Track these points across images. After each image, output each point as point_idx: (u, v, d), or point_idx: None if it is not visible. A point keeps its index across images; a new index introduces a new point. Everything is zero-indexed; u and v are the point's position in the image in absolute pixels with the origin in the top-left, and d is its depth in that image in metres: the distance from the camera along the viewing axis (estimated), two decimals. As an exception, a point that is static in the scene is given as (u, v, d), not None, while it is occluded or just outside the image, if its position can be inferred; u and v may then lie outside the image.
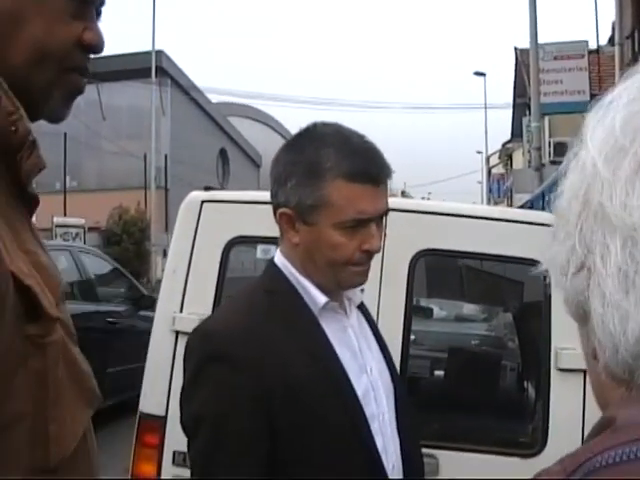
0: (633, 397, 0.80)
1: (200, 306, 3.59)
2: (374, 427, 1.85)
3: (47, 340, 1.12)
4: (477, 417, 3.88)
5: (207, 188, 3.84)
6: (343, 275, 1.87)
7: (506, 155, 43.27)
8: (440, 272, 4.62)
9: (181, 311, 3.60)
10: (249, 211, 3.68)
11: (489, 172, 51.10)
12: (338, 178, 1.81)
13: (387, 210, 1.90)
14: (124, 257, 26.57)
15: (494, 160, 48.96)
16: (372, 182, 1.83)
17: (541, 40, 17.12)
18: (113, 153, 35.86)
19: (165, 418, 3.53)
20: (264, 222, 3.70)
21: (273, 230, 3.67)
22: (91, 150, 36.42)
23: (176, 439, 3.52)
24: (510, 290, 4.80)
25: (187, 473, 3.51)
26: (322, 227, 1.83)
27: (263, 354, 1.76)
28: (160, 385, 3.56)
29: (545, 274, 0.89)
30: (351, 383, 1.83)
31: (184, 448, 3.50)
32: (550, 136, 21.08)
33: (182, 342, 3.56)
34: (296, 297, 1.88)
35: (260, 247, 3.76)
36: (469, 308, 8.92)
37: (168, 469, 3.51)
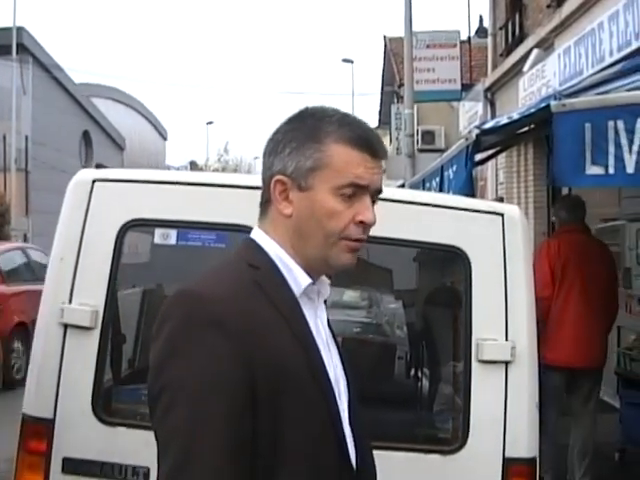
0: None
1: (92, 296, 3.27)
2: None
3: None
4: (387, 411, 3.69)
5: (99, 166, 3.47)
6: (334, 250, 1.80)
7: (373, 143, 43.72)
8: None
9: (70, 302, 3.26)
10: (147, 191, 3.37)
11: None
12: (339, 142, 1.80)
13: (380, 192, 1.86)
14: (-18, 242, 25.30)
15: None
16: (371, 152, 1.82)
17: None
18: (-30, 133, 34.16)
19: (53, 421, 3.19)
20: (164, 203, 3.46)
21: (173, 212, 3.42)
22: (-55, 130, 34.61)
23: (67, 444, 3.20)
24: (380, 276, 4.66)
25: (80, 482, 3.22)
26: (318, 191, 1.79)
27: (252, 326, 1.69)
28: (47, 384, 3.22)
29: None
30: (327, 372, 1.79)
31: (76, 454, 3.24)
32: (418, 124, 21.28)
33: (72, 336, 3.24)
34: (279, 276, 1.81)
35: (158, 231, 3.45)
36: (350, 295, 8.79)
37: (57, 478, 3.17)
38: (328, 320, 1.94)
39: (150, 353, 1.74)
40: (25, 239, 34.35)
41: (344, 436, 1.79)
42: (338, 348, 1.92)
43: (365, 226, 1.81)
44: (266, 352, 1.67)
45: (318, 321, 1.86)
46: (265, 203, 1.87)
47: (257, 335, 1.68)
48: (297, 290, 1.80)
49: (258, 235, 1.86)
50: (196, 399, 1.61)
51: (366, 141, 1.81)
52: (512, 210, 3.40)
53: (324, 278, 1.90)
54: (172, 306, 1.74)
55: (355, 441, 1.83)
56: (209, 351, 1.64)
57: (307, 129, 1.82)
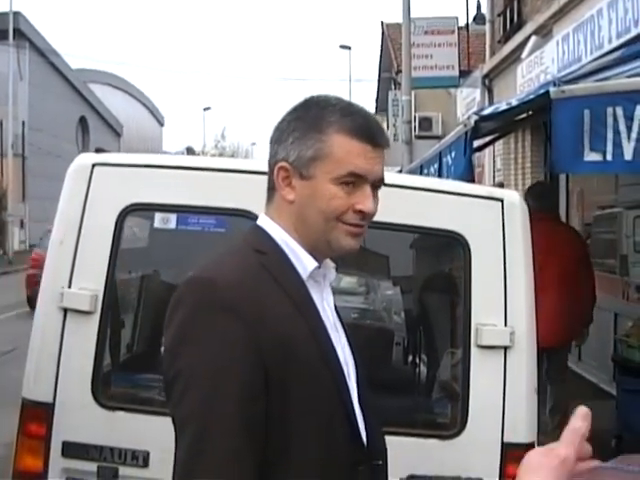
0: None
1: (91, 280, 3.27)
2: None
3: None
4: (385, 397, 3.69)
5: (98, 150, 3.47)
6: (335, 233, 1.84)
7: (370, 129, 43.52)
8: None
9: (70, 286, 3.26)
10: (147, 176, 3.37)
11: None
12: (340, 133, 1.83)
13: (382, 180, 1.88)
14: (-22, 228, 25.29)
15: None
16: (372, 143, 1.84)
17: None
18: (-34, 119, 34.03)
19: (53, 405, 3.19)
20: (163, 188, 3.46)
21: (173, 197, 3.42)
22: (-58, 115, 34.48)
23: (66, 428, 3.20)
24: (378, 262, 4.66)
25: (80, 465, 3.22)
26: (319, 181, 1.83)
27: (262, 310, 1.72)
28: (46, 369, 3.23)
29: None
30: (337, 353, 1.82)
31: (75, 438, 3.25)
32: (415, 111, 21.25)
33: (71, 320, 3.24)
34: (285, 260, 1.85)
35: (158, 215, 3.45)
36: (347, 281, 8.78)
37: (57, 462, 3.18)
38: (335, 304, 1.96)
39: (163, 339, 1.77)
40: (22, 225, 34.34)
41: (354, 415, 1.82)
42: (345, 330, 1.95)
43: (364, 215, 1.84)
44: (276, 336, 1.70)
45: (325, 303, 1.89)
46: (270, 190, 1.91)
47: (267, 319, 1.70)
48: (304, 273, 1.83)
49: (264, 221, 1.90)
50: (208, 385, 1.64)
51: (367, 131, 1.83)
52: (512, 196, 3.40)
53: (329, 262, 1.93)
54: (184, 293, 1.77)
55: (365, 420, 1.86)
56: (221, 337, 1.68)
57: (310, 119, 1.85)
